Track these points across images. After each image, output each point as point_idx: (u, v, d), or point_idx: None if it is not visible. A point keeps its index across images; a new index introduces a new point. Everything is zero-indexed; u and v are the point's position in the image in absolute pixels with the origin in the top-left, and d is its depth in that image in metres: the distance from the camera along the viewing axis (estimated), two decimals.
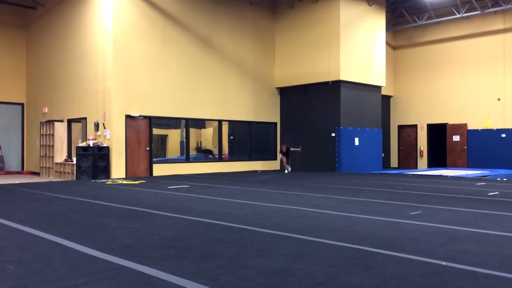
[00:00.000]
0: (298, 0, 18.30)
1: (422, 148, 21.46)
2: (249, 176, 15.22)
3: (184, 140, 16.60)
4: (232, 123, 18.20)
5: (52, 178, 15.11)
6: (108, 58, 14.29)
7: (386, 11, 19.88)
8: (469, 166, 19.70)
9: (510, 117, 18.68)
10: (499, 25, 18.95)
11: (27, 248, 4.65)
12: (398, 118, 22.34)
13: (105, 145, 14.29)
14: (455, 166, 20.11)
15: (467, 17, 19.57)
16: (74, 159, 14.56)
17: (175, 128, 17.09)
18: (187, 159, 16.58)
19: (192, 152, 17.13)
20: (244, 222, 6.07)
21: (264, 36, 18.81)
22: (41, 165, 16.58)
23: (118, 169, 14.35)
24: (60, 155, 15.81)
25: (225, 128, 18.04)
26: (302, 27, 18.19)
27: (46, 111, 16.98)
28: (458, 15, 19.04)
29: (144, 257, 4.20)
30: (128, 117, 14.62)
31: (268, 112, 18.98)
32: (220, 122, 17.57)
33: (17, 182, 13.17)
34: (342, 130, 17.23)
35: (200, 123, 17.76)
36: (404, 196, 9.09)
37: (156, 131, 15.94)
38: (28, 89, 18.20)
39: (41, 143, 16.50)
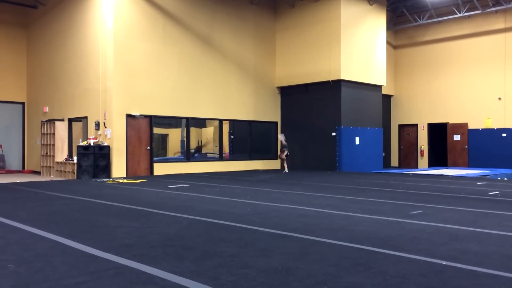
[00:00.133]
0: None
1: (422, 147, 21.45)
2: (250, 175, 15.22)
3: (185, 139, 16.61)
4: (233, 123, 18.20)
5: (52, 177, 15.12)
6: (109, 57, 14.29)
7: (387, 11, 19.87)
8: (469, 165, 19.70)
9: (510, 116, 18.66)
10: (500, 25, 18.93)
11: (27, 247, 4.66)
12: (398, 117, 22.33)
13: (105, 144, 14.29)
14: (455, 165, 20.10)
15: (468, 16, 19.56)
16: (75, 158, 14.56)
17: (176, 127, 17.09)
18: (187, 159, 16.59)
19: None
20: (245, 221, 6.07)
21: (265, 35, 18.81)
22: (41, 164, 16.60)
23: (118, 168, 14.36)
24: (61, 154, 15.82)
25: (225, 127, 18.05)
26: (303, 26, 18.18)
27: (47, 110, 16.99)
28: (459, 15, 19.02)
29: (145, 256, 4.20)
30: (128, 116, 14.62)
31: (268, 111, 18.98)
32: (220, 121, 17.57)
33: (17, 181, 13.19)
34: (342, 129, 17.23)
35: (200, 123, 17.77)
36: (404, 196, 9.08)
37: (156, 130, 15.95)
38: (29, 88, 18.21)
39: (42, 142, 16.51)
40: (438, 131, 21.03)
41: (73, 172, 14.60)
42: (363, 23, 17.93)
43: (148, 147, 15.16)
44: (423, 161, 21.44)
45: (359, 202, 8.09)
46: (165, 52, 15.54)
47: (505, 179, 14.13)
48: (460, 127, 20.06)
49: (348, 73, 17.24)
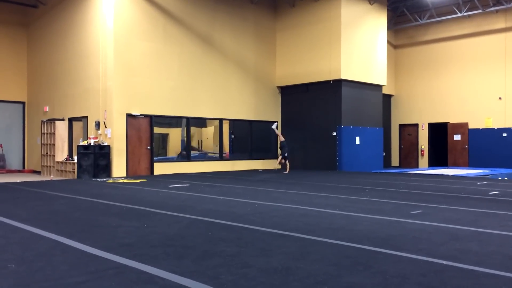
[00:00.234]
0: None
1: (423, 147, 21.44)
2: (250, 175, 15.22)
3: (185, 139, 16.61)
4: (233, 122, 18.20)
5: (53, 177, 15.13)
6: (109, 57, 14.29)
7: (387, 10, 19.86)
8: (470, 165, 19.69)
9: (511, 116, 18.65)
10: (501, 24, 18.92)
11: (28, 246, 4.66)
12: (399, 117, 22.32)
13: (106, 143, 14.30)
14: (456, 165, 20.09)
15: (469, 16, 19.55)
16: (75, 157, 14.57)
17: (176, 127, 17.09)
18: (188, 158, 16.58)
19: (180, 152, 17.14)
20: (245, 221, 6.07)
21: (265, 35, 18.80)
22: (42, 164, 16.60)
23: (119, 168, 14.37)
24: (61, 153, 15.83)
25: (226, 127, 18.04)
26: (303, 26, 18.17)
27: (47, 110, 16.99)
28: (459, 14, 19.01)
29: (145, 256, 4.20)
30: (129, 116, 14.62)
31: (269, 111, 18.97)
32: (221, 121, 17.57)
33: (18, 181, 13.19)
34: (343, 129, 17.22)
35: (201, 122, 17.77)
36: (404, 195, 9.08)
37: (157, 130, 15.95)
38: (29, 88, 18.21)
39: (42, 142, 16.52)
40: (439, 131, 21.02)
41: (74, 172, 14.61)
42: (364, 23, 17.93)
43: (149, 147, 15.16)
44: (424, 160, 21.43)
45: (359, 202, 8.09)
46: (165, 52, 15.54)
47: (506, 178, 14.12)
48: (461, 127, 20.05)
49: (349, 73, 17.23)
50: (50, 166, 16.11)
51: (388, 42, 20.91)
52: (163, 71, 15.48)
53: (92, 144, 14.13)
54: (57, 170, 15.59)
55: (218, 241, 4.83)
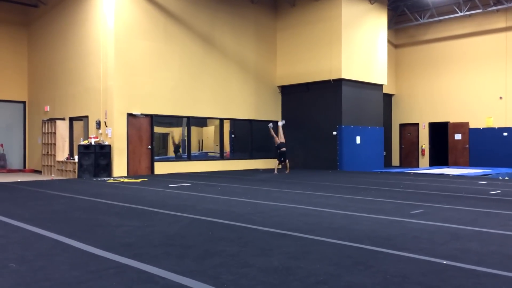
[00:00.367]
0: None
1: (423, 146, 21.44)
2: (251, 174, 15.23)
3: (186, 138, 16.61)
4: (234, 122, 18.20)
5: (53, 176, 15.14)
6: (110, 56, 14.30)
7: (388, 10, 19.85)
8: (470, 164, 19.68)
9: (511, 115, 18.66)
10: (501, 24, 18.91)
11: (28, 246, 4.67)
12: (399, 116, 22.32)
13: (106, 143, 14.30)
14: (456, 164, 20.09)
15: (469, 15, 19.53)
16: (76, 157, 14.58)
17: (177, 126, 17.10)
18: (189, 158, 16.59)
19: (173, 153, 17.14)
20: (245, 221, 6.08)
21: (266, 34, 18.80)
22: (42, 163, 16.62)
23: (119, 168, 14.37)
24: (62, 153, 15.84)
25: (226, 126, 18.05)
26: (304, 25, 18.17)
27: (48, 109, 17.00)
28: (460, 14, 18.99)
29: (145, 255, 4.21)
30: (129, 115, 14.63)
31: (269, 110, 18.97)
32: (221, 120, 17.58)
33: (19, 180, 13.20)
34: (343, 128, 17.22)
35: (201, 122, 17.77)
36: (405, 195, 9.08)
37: (157, 130, 15.96)
38: (30, 87, 18.22)
39: (43, 141, 16.53)
40: (439, 130, 21.01)
41: (74, 171, 14.62)
42: (364, 22, 17.92)
43: (149, 146, 15.17)
44: (424, 160, 21.43)
45: (360, 201, 8.09)
46: (166, 51, 15.55)
47: (506, 178, 14.12)
48: (461, 126, 20.04)
49: (349, 72, 17.23)
50: (50, 166, 16.12)
51: (388, 41, 20.90)
52: (164, 70, 15.49)
53: (92, 143, 14.13)
54: (58, 169, 15.60)
55: (219, 241, 4.83)
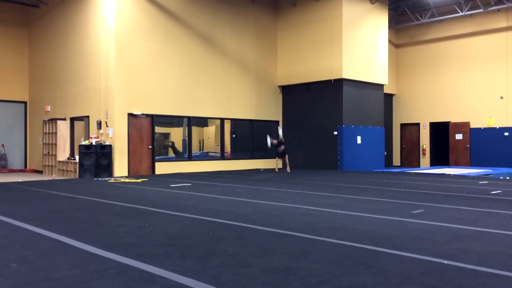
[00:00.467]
0: None
1: (424, 146, 21.43)
2: (251, 174, 15.23)
3: (187, 138, 16.62)
4: (234, 121, 18.20)
5: (54, 176, 15.15)
6: (111, 57, 14.31)
7: (389, 9, 19.84)
8: (471, 164, 19.66)
9: None
10: (502, 23, 18.89)
11: (29, 246, 4.67)
12: (400, 116, 22.31)
13: (107, 143, 14.31)
14: (457, 164, 20.07)
15: (470, 15, 19.51)
16: (77, 157, 14.59)
17: (178, 126, 17.11)
18: (189, 158, 16.59)
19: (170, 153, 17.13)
20: (246, 221, 6.08)
21: (266, 34, 18.80)
22: (44, 163, 16.63)
23: (120, 168, 14.38)
24: (63, 153, 15.85)
25: (227, 126, 18.05)
26: (305, 25, 18.16)
27: (49, 110, 17.01)
28: (461, 13, 18.97)
29: (146, 255, 4.21)
30: (130, 115, 14.64)
31: (270, 110, 18.97)
32: (222, 120, 17.58)
33: (20, 180, 13.21)
34: (344, 128, 17.22)
35: (202, 122, 17.78)
36: (406, 195, 9.08)
37: (158, 130, 15.96)
38: (31, 87, 18.24)
39: (44, 142, 16.54)
40: (440, 130, 21.00)
41: (75, 171, 14.63)
42: (365, 22, 17.91)
43: (150, 146, 15.18)
44: (425, 160, 21.41)
45: (361, 201, 8.09)
46: (166, 51, 15.55)
47: (507, 178, 14.10)
48: (462, 126, 20.03)
49: (350, 72, 17.22)
50: (51, 166, 16.13)
51: (389, 41, 20.89)
52: (165, 70, 15.49)
53: (93, 143, 14.15)
54: (59, 169, 15.62)
55: (219, 241, 4.83)
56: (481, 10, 18.53)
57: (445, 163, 20.82)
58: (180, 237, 5.06)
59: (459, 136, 20.13)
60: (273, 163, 18.77)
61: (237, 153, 18.59)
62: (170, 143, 17.27)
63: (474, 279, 3.51)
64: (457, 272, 3.69)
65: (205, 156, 17.91)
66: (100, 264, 3.92)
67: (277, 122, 19.23)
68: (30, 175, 15.80)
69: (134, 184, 11.63)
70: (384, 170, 17.33)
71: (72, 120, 16.14)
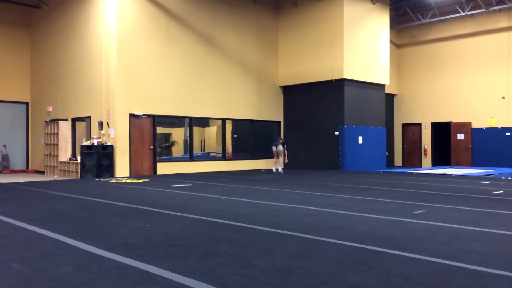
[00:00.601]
0: None
1: (426, 146, 21.40)
2: (253, 174, 15.23)
3: (188, 138, 16.62)
4: (236, 122, 18.20)
5: (56, 177, 15.17)
6: (112, 57, 14.32)
7: (390, 9, 19.82)
8: (473, 164, 19.64)
9: None
10: (504, 23, 18.86)
11: (31, 246, 4.68)
12: (402, 116, 22.29)
13: (109, 143, 14.33)
14: (459, 164, 20.05)
15: (472, 15, 19.49)
16: (79, 157, 14.61)
17: (179, 126, 17.11)
18: (191, 158, 16.60)
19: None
20: (247, 221, 6.08)
21: (267, 35, 18.80)
22: (45, 164, 16.65)
23: (122, 168, 14.39)
24: (65, 153, 15.88)
25: (228, 126, 18.05)
26: (306, 25, 18.16)
27: (51, 110, 17.04)
28: (462, 13, 18.96)
29: (148, 256, 4.21)
30: (132, 115, 14.65)
31: (271, 110, 18.97)
32: (223, 120, 17.58)
33: (21, 181, 13.24)
34: (345, 128, 17.21)
35: (203, 122, 17.79)
36: (407, 195, 9.07)
37: (160, 130, 15.98)
38: (33, 88, 18.27)
39: (46, 142, 16.56)
40: (442, 130, 20.98)
41: (77, 172, 14.65)
42: (366, 22, 17.90)
43: (151, 147, 15.19)
44: (427, 160, 21.39)
45: (362, 202, 8.08)
46: (168, 51, 15.56)
47: (509, 178, 14.08)
48: (464, 126, 20.01)
49: (351, 72, 17.21)
50: (53, 166, 16.15)
51: (390, 41, 20.87)
52: (166, 70, 15.50)
53: (95, 144, 14.16)
54: (61, 170, 15.64)
55: (221, 241, 4.83)
56: (483, 10, 18.51)
57: (447, 163, 20.80)
58: (181, 237, 5.06)
59: (460, 136, 20.10)
60: (273, 164, 18.74)
61: (238, 153, 18.59)
62: (172, 142, 17.32)
63: (476, 280, 3.50)
64: (459, 273, 3.68)
65: (206, 157, 17.92)
66: (101, 265, 3.92)
67: (278, 122, 19.22)
68: (31, 176, 15.82)
69: (135, 184, 11.64)
70: (386, 170, 17.31)
71: (74, 120, 16.16)
